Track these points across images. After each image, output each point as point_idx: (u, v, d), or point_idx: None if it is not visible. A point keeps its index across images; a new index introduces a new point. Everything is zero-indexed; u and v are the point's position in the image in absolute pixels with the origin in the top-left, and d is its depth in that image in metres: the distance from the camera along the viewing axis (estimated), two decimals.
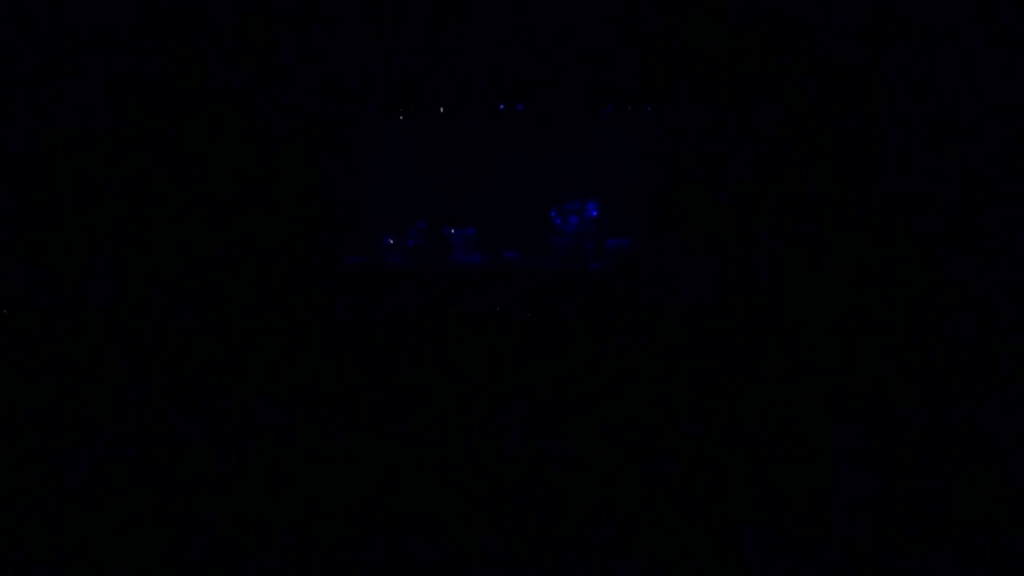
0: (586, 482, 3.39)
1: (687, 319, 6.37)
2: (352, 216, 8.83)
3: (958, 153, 5.68)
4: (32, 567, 2.73)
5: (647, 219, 8.43)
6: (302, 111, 7.84)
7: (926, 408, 3.95)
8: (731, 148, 7.59)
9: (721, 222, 7.61)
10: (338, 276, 7.91)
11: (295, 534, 2.95)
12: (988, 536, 2.83)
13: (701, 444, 3.73)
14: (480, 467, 3.55)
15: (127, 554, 2.80)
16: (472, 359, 5.47)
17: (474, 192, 9.04)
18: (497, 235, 8.77)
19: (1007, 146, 5.46)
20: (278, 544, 2.89)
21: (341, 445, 3.77)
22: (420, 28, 7.13)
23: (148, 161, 6.73)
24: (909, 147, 6.25)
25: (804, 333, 5.48)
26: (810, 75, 6.80)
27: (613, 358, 5.49)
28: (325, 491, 3.28)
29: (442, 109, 8.57)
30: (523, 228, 8.81)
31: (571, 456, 3.64)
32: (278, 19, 6.89)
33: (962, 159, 5.73)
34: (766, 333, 5.58)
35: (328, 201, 8.29)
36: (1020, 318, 4.87)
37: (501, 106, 8.57)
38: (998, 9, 5.32)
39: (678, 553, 2.83)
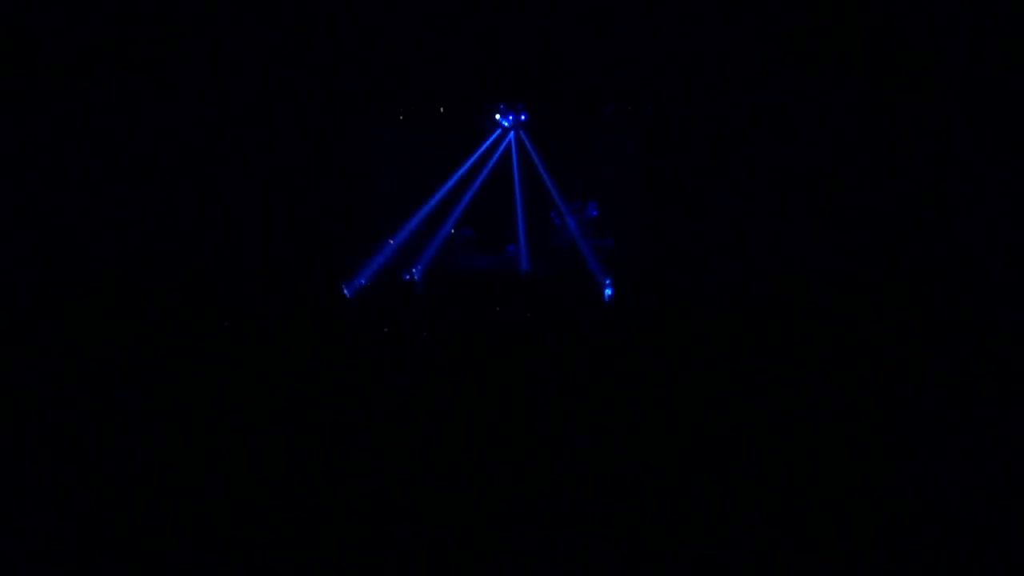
0: (585, 484, 3.39)
1: (688, 319, 6.37)
2: (352, 216, 8.81)
3: (964, 155, 5.70)
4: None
5: (647, 219, 8.45)
6: (301, 111, 7.83)
7: (928, 412, 3.96)
8: (731, 148, 7.61)
9: (721, 222, 7.62)
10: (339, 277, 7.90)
11: (293, 537, 2.96)
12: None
13: (704, 446, 3.74)
14: (480, 469, 3.55)
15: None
16: (471, 359, 5.48)
17: (474, 193, 9.03)
18: (497, 236, 8.77)
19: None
20: (277, 548, 2.89)
21: (341, 445, 3.77)
22: (421, 28, 7.12)
23: (147, 162, 6.72)
24: (908, 146, 6.26)
25: (806, 333, 5.49)
26: (809, 75, 6.81)
27: (613, 358, 5.50)
28: (326, 491, 3.29)
29: (442, 109, 8.55)
30: (523, 229, 8.81)
31: (572, 458, 3.65)
32: (278, 19, 6.88)
33: (966, 160, 5.74)
34: (767, 335, 5.58)
35: (328, 201, 8.28)
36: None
37: (501, 106, 8.56)
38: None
39: (684, 557, 2.84)
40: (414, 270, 8.24)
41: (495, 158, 9.03)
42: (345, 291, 7.51)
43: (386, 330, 6.55)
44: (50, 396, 4.19)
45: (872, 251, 6.41)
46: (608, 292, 7.71)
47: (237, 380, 4.67)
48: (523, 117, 8.76)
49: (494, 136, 8.99)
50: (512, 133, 8.98)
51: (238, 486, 3.31)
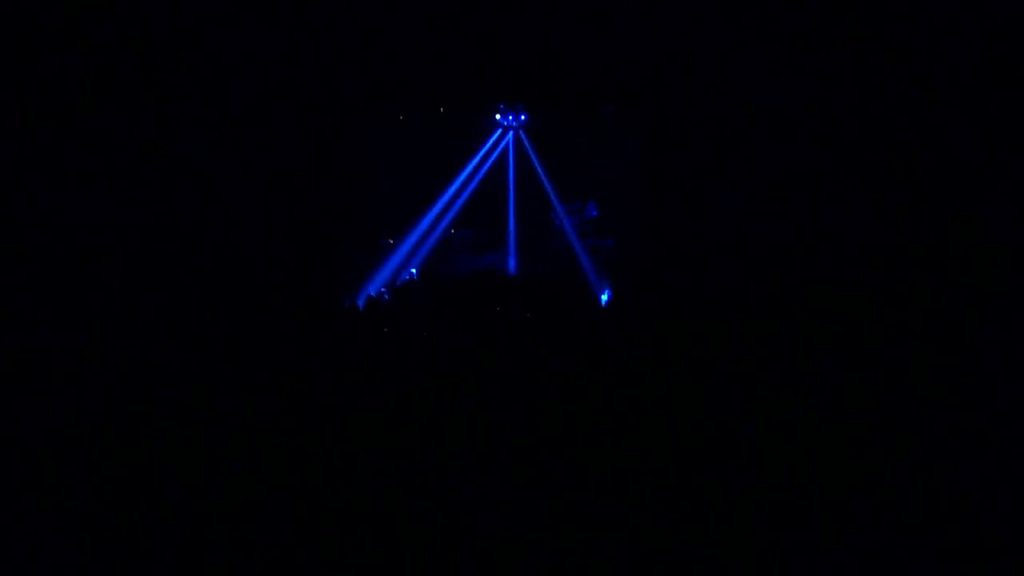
0: (584, 486, 3.40)
1: (688, 319, 6.37)
2: (352, 217, 8.82)
3: (964, 155, 5.70)
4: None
5: (647, 219, 8.45)
6: (301, 111, 7.83)
7: (928, 412, 3.95)
8: (731, 148, 7.61)
9: (721, 222, 7.62)
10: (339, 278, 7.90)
11: (293, 537, 2.96)
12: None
13: (703, 447, 3.74)
14: (478, 469, 3.55)
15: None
16: (470, 359, 5.48)
17: (474, 193, 9.04)
18: (497, 236, 8.77)
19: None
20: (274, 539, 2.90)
21: (339, 446, 3.77)
22: (421, 28, 7.11)
23: (147, 162, 6.71)
24: (909, 146, 6.26)
25: (806, 334, 5.48)
26: (809, 75, 6.81)
27: (611, 359, 5.49)
28: (324, 491, 3.30)
29: (442, 109, 8.56)
30: (523, 230, 8.81)
31: (569, 461, 3.65)
32: (278, 19, 6.88)
33: (965, 161, 5.74)
34: (767, 335, 5.58)
35: (328, 201, 8.28)
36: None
37: (501, 106, 8.57)
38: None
39: (683, 558, 2.84)
40: (413, 270, 8.24)
41: (495, 158, 9.04)
42: (343, 293, 7.51)
43: (385, 330, 6.56)
44: (49, 398, 4.19)
45: (872, 251, 6.40)
46: (607, 293, 7.71)
47: (236, 380, 4.67)
48: (523, 117, 8.76)
49: (494, 136, 9.00)
50: (512, 133, 8.99)
51: (237, 487, 3.32)
